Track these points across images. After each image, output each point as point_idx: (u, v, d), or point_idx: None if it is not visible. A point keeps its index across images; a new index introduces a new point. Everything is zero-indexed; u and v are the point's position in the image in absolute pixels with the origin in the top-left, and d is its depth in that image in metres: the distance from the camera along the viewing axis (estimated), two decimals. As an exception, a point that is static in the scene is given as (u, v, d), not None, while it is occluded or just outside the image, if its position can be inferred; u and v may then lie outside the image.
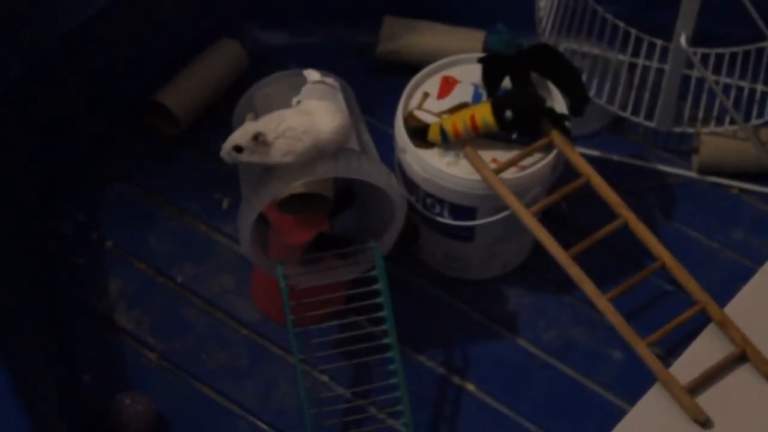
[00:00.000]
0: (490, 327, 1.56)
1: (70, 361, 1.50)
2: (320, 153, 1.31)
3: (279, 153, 1.29)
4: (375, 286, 1.40)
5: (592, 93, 1.64)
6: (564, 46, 1.67)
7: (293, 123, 1.29)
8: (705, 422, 1.37)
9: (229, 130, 1.54)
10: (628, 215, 1.45)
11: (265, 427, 1.47)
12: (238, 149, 1.30)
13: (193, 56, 1.73)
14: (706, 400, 1.39)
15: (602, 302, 1.41)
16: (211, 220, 1.63)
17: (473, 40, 1.74)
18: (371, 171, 1.34)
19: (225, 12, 1.78)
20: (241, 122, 1.39)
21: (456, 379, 1.51)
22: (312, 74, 1.39)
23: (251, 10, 1.79)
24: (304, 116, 1.30)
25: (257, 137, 1.29)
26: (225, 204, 1.65)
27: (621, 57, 1.73)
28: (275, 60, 1.76)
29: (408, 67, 1.71)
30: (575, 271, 1.42)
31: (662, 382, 1.39)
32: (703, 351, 1.43)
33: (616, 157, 1.70)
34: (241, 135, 1.30)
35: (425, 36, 1.76)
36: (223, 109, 1.70)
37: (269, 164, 1.31)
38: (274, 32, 1.80)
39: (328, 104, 1.32)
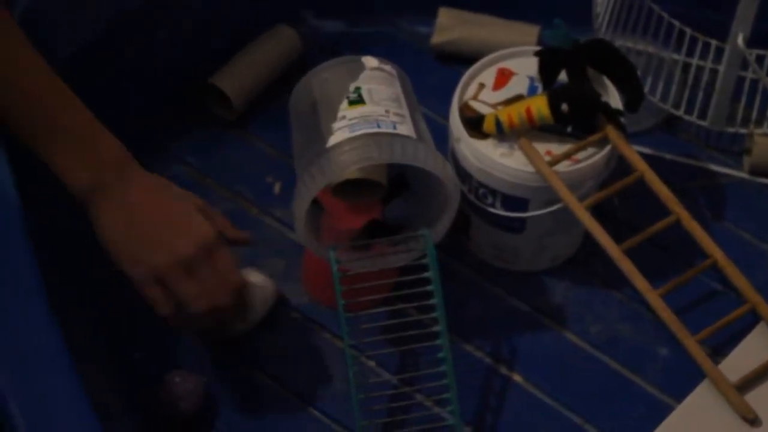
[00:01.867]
0: (537, 319, 1.57)
1: (121, 339, 1.51)
2: None
3: None
4: (425, 274, 1.40)
5: (645, 90, 1.64)
6: (619, 43, 1.68)
7: None
8: (753, 420, 1.37)
9: (282, 116, 1.55)
10: (681, 212, 1.45)
11: (312, 410, 1.48)
12: None
13: (249, 41, 1.74)
14: (755, 398, 1.39)
15: (653, 298, 1.41)
16: (263, 204, 1.64)
17: (528, 33, 1.75)
18: (428, 158, 1.34)
19: (281, -1, 1.79)
20: (300, 107, 1.41)
21: (503, 370, 1.52)
22: (370, 61, 1.40)
23: (308, -3, 1.81)
24: None
25: None
26: (277, 188, 1.66)
27: (675, 56, 1.73)
28: (330, 47, 1.77)
29: (462, 59, 1.72)
30: (627, 266, 1.42)
31: (711, 378, 1.40)
32: (753, 350, 1.43)
33: (667, 156, 1.70)
34: None
35: (480, 28, 1.76)
36: (276, 95, 1.71)
37: None
38: (330, 20, 1.81)
39: None
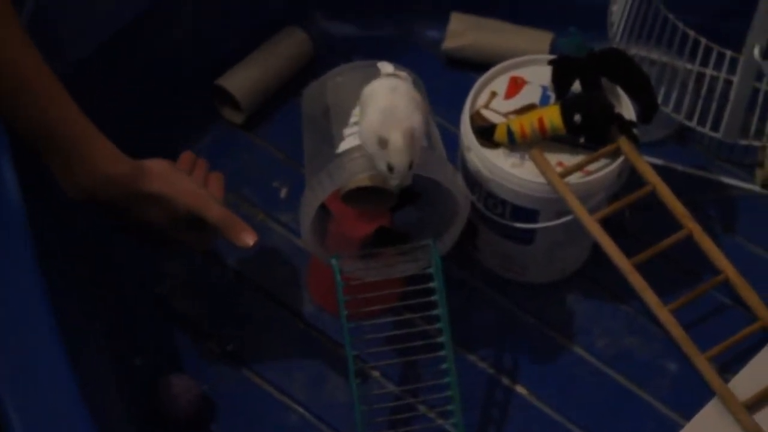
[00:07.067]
0: (543, 331, 1.55)
1: (123, 344, 1.49)
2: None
3: (420, 140, 1.28)
4: (431, 284, 1.38)
5: (659, 101, 1.62)
6: (633, 52, 1.65)
7: (402, 105, 1.28)
8: (763, 441, 1.36)
9: (290, 120, 1.54)
10: (693, 227, 1.43)
11: (314, 420, 1.46)
12: (411, 165, 1.27)
13: (259, 43, 1.72)
14: (764, 418, 1.37)
15: (663, 313, 1.39)
16: (269, 209, 1.62)
17: (541, 41, 1.73)
18: (438, 169, 1.32)
19: (292, 0, 1.77)
20: (312, 110, 1.39)
21: (507, 382, 1.50)
22: (385, 66, 1.38)
23: (319, 0, 1.79)
24: (396, 94, 1.29)
25: (411, 136, 1.26)
26: (283, 193, 1.64)
27: (689, 66, 1.70)
28: (341, 51, 1.75)
29: (474, 65, 1.70)
30: (637, 280, 1.40)
31: (721, 397, 1.38)
32: (763, 368, 1.42)
33: (679, 167, 1.68)
34: (403, 152, 1.26)
35: (492, 34, 1.74)
36: (285, 98, 1.70)
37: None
38: (341, 23, 1.79)
39: (391, 80, 1.32)
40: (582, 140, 1.46)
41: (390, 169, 1.26)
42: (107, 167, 1.28)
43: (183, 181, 1.34)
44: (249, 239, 1.34)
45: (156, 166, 1.33)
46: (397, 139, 1.25)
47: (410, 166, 1.27)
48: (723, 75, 1.69)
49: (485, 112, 1.49)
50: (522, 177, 1.43)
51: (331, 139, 1.38)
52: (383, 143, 1.26)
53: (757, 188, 1.67)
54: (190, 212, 1.33)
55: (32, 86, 1.24)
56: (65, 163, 1.27)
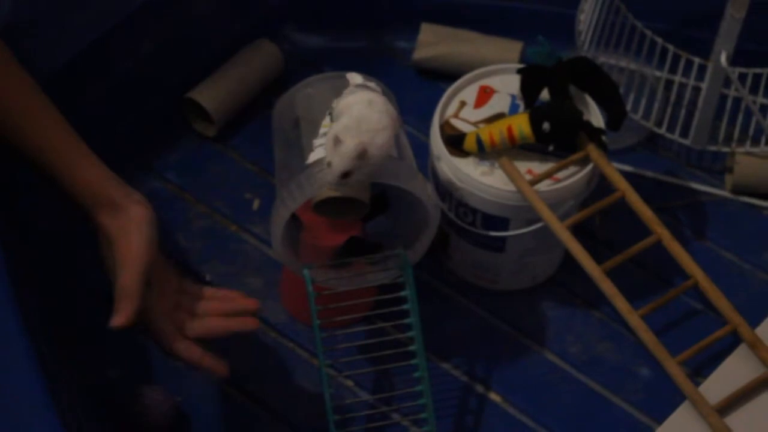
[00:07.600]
0: (516, 338, 1.55)
1: (96, 356, 1.49)
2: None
3: (378, 157, 1.29)
4: (402, 293, 1.39)
5: (627, 108, 1.63)
6: (602, 60, 1.67)
7: (373, 120, 1.28)
8: (733, 443, 1.37)
9: (262, 132, 1.54)
10: (662, 232, 1.44)
11: (287, 430, 1.46)
12: (346, 175, 1.28)
13: (229, 56, 1.72)
14: (734, 420, 1.38)
15: (634, 319, 1.40)
16: (241, 221, 1.63)
17: (510, 50, 1.74)
18: (408, 179, 1.33)
19: (262, 13, 1.77)
20: (283, 122, 1.39)
21: (480, 389, 1.51)
22: (354, 77, 1.39)
23: (289, 12, 1.79)
24: (372, 109, 1.29)
25: (364, 151, 1.27)
26: (255, 205, 1.64)
27: (658, 73, 1.72)
28: (311, 63, 1.76)
29: (444, 75, 1.71)
30: (607, 286, 1.41)
31: (692, 401, 1.39)
32: (734, 372, 1.43)
33: (649, 174, 1.69)
34: (345, 158, 1.26)
35: (462, 44, 1.75)
36: (257, 110, 1.70)
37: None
38: (311, 35, 1.80)
39: (368, 93, 1.32)
40: (551, 148, 1.47)
41: (328, 164, 1.28)
42: (83, 190, 1.27)
43: (140, 239, 1.27)
44: (115, 321, 1.26)
45: (133, 208, 1.28)
46: (348, 145, 1.26)
47: (345, 176, 1.27)
48: (691, 82, 1.71)
49: (455, 122, 1.49)
50: (492, 185, 1.44)
51: (302, 150, 1.39)
52: (337, 142, 1.27)
53: (726, 194, 1.68)
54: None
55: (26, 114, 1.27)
56: (55, 184, 1.28)
